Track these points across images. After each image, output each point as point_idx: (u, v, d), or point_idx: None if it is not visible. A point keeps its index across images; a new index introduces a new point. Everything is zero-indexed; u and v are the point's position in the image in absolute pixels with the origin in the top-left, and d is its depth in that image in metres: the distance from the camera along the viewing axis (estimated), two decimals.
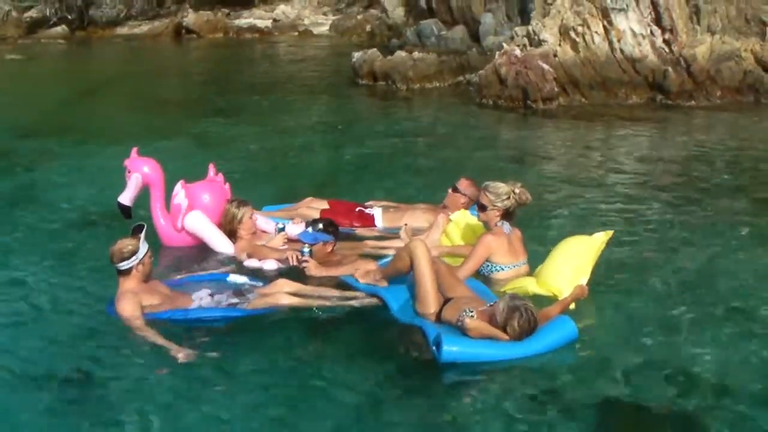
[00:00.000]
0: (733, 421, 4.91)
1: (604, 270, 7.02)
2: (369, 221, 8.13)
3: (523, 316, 5.54)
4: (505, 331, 5.55)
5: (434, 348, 5.49)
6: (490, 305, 5.76)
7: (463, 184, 7.88)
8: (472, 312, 5.66)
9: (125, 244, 6.25)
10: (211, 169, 8.06)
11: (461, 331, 5.61)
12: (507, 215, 6.73)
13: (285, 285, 6.49)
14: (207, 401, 5.17)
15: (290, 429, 4.89)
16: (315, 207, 8.23)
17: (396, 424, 4.94)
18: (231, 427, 4.90)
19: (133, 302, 6.10)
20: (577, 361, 5.62)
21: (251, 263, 7.22)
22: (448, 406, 5.12)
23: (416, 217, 8.03)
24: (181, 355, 5.63)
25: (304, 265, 6.90)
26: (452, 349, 5.41)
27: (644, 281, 6.98)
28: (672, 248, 7.83)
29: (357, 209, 8.24)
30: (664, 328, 6.07)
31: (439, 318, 5.93)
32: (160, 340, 5.82)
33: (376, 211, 8.18)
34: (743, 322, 6.20)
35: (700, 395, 5.17)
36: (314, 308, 6.34)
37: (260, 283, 6.68)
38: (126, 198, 7.66)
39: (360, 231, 8.04)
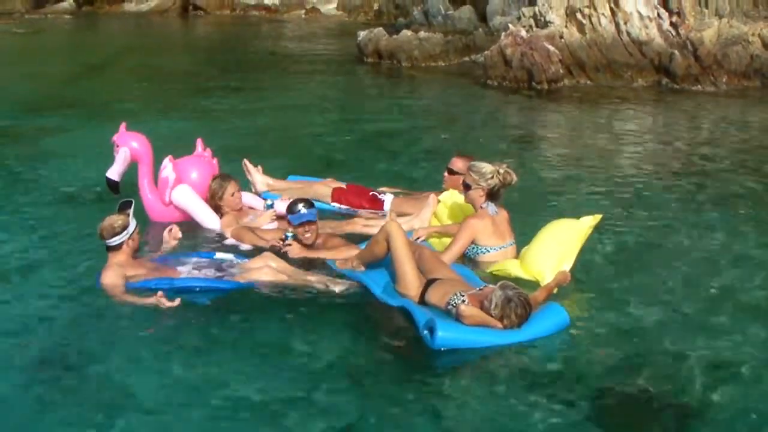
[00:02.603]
0: (724, 408, 4.84)
1: (601, 253, 7.00)
2: (378, 206, 8.11)
3: (519, 306, 5.48)
4: (501, 321, 5.51)
5: (426, 333, 5.41)
6: (480, 289, 5.69)
7: (458, 164, 7.62)
8: (464, 296, 5.59)
9: (114, 219, 6.29)
10: (199, 144, 8.01)
11: (453, 316, 5.56)
12: (492, 196, 6.64)
13: (270, 259, 6.47)
14: (193, 373, 5.16)
15: (271, 408, 4.83)
16: (331, 186, 8.23)
17: (383, 405, 4.87)
18: (212, 400, 4.87)
19: (116, 273, 6.17)
20: (569, 346, 5.57)
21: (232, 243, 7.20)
22: (438, 389, 5.05)
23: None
24: (166, 303, 5.81)
25: (286, 248, 6.84)
26: (446, 335, 5.34)
27: (642, 265, 6.91)
28: (672, 232, 7.76)
29: (370, 193, 8.22)
30: (660, 314, 6.00)
31: (423, 299, 5.87)
32: (141, 301, 5.92)
33: (387, 197, 8.15)
34: (741, 307, 6.12)
35: (691, 380, 5.11)
36: (298, 287, 6.32)
37: (246, 260, 6.64)
38: (114, 173, 7.63)
39: (363, 213, 8.01)
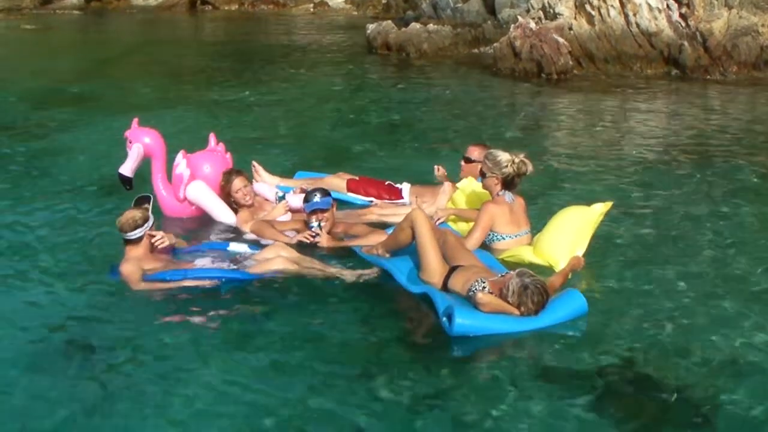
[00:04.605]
0: (737, 395, 4.86)
1: (613, 241, 7.02)
2: (396, 194, 8.15)
3: (535, 293, 5.51)
4: (518, 308, 5.54)
5: (445, 320, 5.45)
6: (501, 276, 5.73)
7: (475, 152, 7.72)
8: (484, 283, 5.62)
9: (135, 213, 6.38)
10: (212, 139, 8.03)
11: (473, 303, 5.61)
12: (507, 184, 6.70)
13: (282, 249, 6.53)
14: (210, 363, 5.20)
15: (289, 396, 4.86)
16: (344, 178, 8.27)
17: (403, 393, 4.90)
18: (231, 388, 4.92)
19: (134, 266, 6.25)
20: (587, 333, 5.59)
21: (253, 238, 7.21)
22: (456, 376, 5.08)
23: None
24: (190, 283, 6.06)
25: (316, 239, 6.89)
26: (464, 322, 5.37)
27: (653, 253, 6.94)
28: (682, 219, 7.78)
29: (386, 183, 8.27)
30: (674, 301, 6.02)
31: (446, 286, 5.90)
32: (160, 285, 6.10)
33: (405, 186, 8.18)
34: (751, 297, 6.14)
35: (706, 367, 5.13)
36: (311, 277, 6.36)
37: (259, 250, 6.69)
38: (127, 169, 7.65)
39: (379, 203, 8.05)
